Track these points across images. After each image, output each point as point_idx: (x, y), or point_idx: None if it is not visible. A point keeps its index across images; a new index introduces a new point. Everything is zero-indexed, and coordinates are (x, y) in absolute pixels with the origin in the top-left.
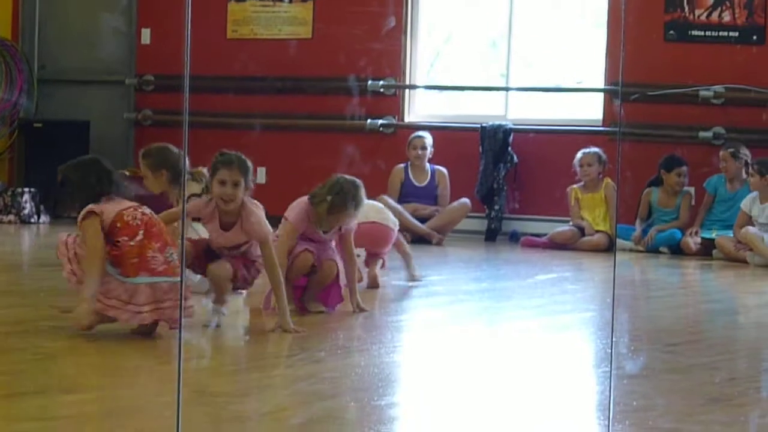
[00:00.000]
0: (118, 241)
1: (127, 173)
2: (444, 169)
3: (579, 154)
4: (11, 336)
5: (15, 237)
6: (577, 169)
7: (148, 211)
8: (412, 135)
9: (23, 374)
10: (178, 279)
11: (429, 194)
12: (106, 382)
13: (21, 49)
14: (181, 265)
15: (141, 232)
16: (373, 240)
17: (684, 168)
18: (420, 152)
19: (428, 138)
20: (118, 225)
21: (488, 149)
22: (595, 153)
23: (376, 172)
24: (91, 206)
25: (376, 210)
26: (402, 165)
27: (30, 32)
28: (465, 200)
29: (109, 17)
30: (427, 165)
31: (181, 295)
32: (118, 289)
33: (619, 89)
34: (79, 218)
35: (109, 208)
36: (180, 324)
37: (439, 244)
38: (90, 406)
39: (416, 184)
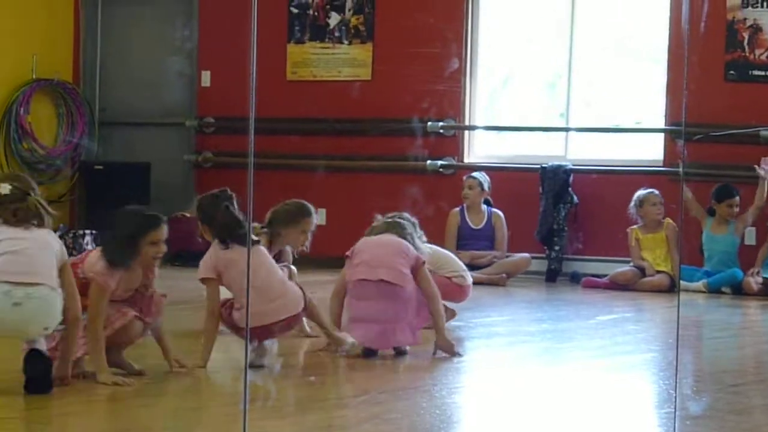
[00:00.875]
0: None
1: (188, 215)
2: (500, 212)
3: (641, 194)
4: (73, 377)
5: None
6: (634, 210)
7: None
8: (466, 175)
9: (83, 416)
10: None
11: (486, 237)
12: (168, 425)
13: (82, 92)
14: (247, 314)
15: None
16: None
17: (735, 199)
18: (468, 191)
19: (481, 178)
20: None
21: (548, 190)
22: (657, 193)
23: (437, 213)
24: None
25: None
26: (457, 209)
27: (91, 75)
28: (526, 255)
29: (170, 60)
30: (484, 207)
31: (247, 336)
32: None
33: (683, 129)
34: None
35: None
36: (245, 366)
37: (501, 284)
38: None
39: (473, 227)
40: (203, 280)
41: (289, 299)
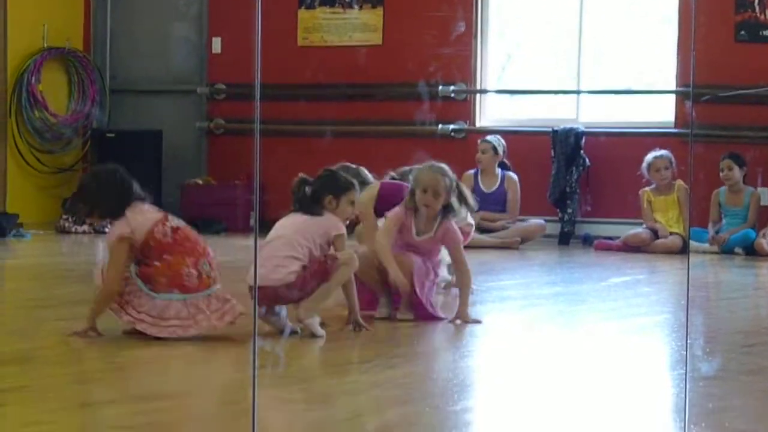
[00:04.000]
0: (149, 260)
1: (200, 182)
2: (514, 175)
3: (649, 158)
4: (85, 345)
5: (89, 247)
6: (645, 172)
7: (176, 222)
8: (480, 139)
9: (99, 383)
10: (209, 292)
11: (499, 200)
12: (182, 390)
13: (93, 60)
14: (254, 277)
15: (170, 250)
16: None
17: (726, 161)
18: (482, 155)
19: (495, 141)
20: (151, 244)
21: (560, 153)
22: (667, 156)
23: None
24: (122, 228)
25: None
26: (471, 171)
27: (101, 43)
28: (541, 221)
29: (180, 27)
30: (498, 170)
31: (255, 303)
32: (148, 304)
33: (691, 91)
34: (111, 238)
35: (140, 227)
36: (254, 331)
37: (514, 247)
38: (166, 414)
39: (485, 191)
40: None
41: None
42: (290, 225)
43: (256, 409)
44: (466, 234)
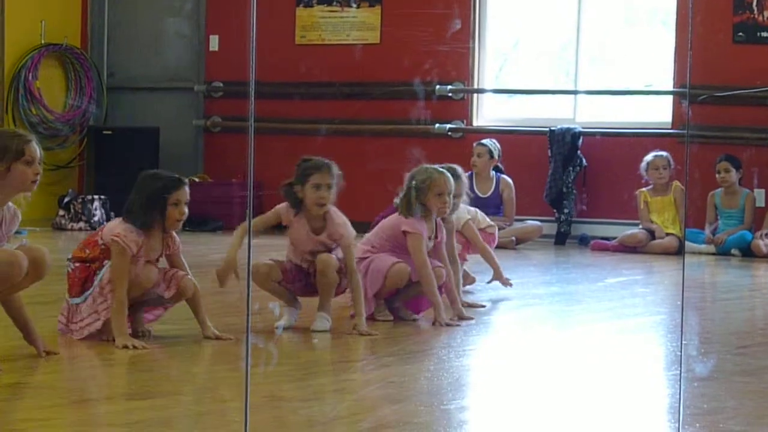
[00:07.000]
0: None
1: (197, 179)
2: (509, 178)
3: (648, 158)
4: (80, 343)
5: None
6: (644, 172)
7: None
8: (476, 142)
9: (93, 381)
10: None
11: (494, 204)
12: (176, 388)
13: (90, 57)
14: (248, 275)
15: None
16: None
17: (722, 163)
18: (478, 159)
19: (491, 145)
20: None
21: (557, 153)
22: (666, 156)
23: None
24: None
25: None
26: (466, 175)
27: (99, 40)
28: (538, 223)
29: (178, 24)
30: (492, 174)
31: (248, 301)
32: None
33: (687, 91)
34: None
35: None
36: (247, 329)
37: (511, 247)
38: (160, 411)
39: (480, 195)
40: None
41: None
42: None
43: (248, 406)
44: (491, 236)
